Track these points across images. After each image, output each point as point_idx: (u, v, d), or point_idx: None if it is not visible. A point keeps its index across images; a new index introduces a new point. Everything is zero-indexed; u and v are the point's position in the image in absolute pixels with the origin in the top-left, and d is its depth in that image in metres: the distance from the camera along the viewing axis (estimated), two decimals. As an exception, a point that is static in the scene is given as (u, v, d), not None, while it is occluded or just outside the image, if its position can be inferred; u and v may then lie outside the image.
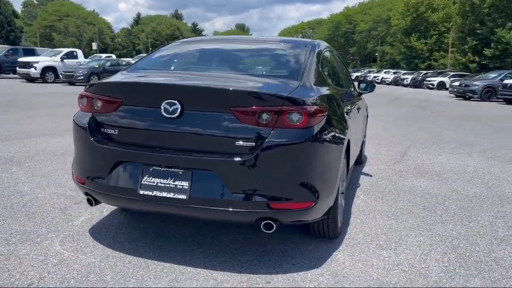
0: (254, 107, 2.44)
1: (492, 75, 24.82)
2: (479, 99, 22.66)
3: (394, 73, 46.52)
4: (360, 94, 4.98)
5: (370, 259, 2.90)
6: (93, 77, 22.14)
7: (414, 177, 5.24)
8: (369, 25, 77.39)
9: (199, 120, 2.52)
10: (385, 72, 48.56)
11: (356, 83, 5.22)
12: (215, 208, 2.47)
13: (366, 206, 4.05)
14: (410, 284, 2.56)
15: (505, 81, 21.12)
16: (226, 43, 3.81)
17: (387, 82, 43.21)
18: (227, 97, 2.49)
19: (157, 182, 2.53)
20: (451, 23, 51.09)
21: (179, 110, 2.50)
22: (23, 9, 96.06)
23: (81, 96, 2.87)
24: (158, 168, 2.55)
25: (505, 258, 2.98)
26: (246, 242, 3.07)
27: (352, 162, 3.84)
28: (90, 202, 2.84)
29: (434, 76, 37.13)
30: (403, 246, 3.13)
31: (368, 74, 48.46)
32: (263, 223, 2.51)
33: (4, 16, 64.48)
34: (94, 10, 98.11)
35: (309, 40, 3.77)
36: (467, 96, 23.53)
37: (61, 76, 22.32)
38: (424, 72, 41.96)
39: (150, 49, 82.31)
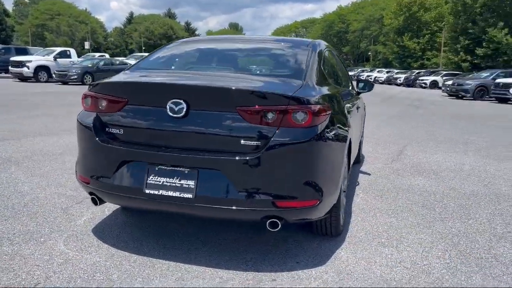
0: (259, 106, 2.46)
1: (484, 74, 25.03)
2: (472, 98, 22.86)
3: (387, 72, 46.79)
4: (358, 93, 5.01)
5: (373, 256, 2.93)
6: (87, 76, 22.04)
7: (411, 176, 5.29)
8: (362, 25, 77.74)
9: (205, 119, 2.53)
10: (378, 71, 48.85)
11: (354, 83, 5.26)
12: (221, 207, 2.49)
13: (366, 204, 4.09)
14: (413, 281, 2.60)
15: (497, 80, 21.34)
16: (228, 43, 3.83)
17: (380, 81, 43.43)
18: (232, 96, 2.51)
19: (163, 181, 2.54)
20: (443, 23, 51.43)
21: (184, 109, 2.51)
22: (14, 7, 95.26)
23: (85, 96, 2.87)
24: (164, 167, 2.56)
25: (504, 255, 3.03)
26: (249, 241, 3.10)
27: (352, 160, 3.88)
28: (94, 202, 2.84)
29: (426, 75, 37.38)
30: (404, 244, 3.17)
31: (361, 74, 48.66)
32: (268, 221, 2.53)
33: (-5, 15, 63.93)
34: (86, 9, 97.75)
35: (309, 39, 3.80)
36: (460, 95, 23.73)
37: (54, 75, 22.17)
38: (417, 71, 42.20)
39: (143, 48, 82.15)
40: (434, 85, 34.39)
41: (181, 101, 2.51)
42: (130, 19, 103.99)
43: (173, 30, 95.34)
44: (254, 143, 2.48)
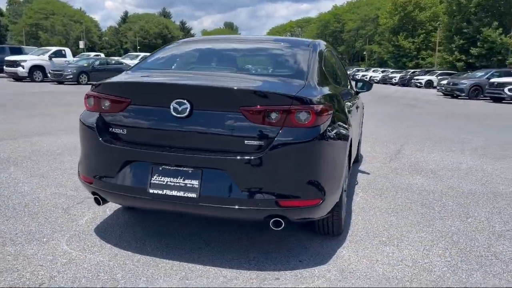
0: (263, 106, 2.48)
1: (479, 73, 25.17)
2: (467, 97, 22.99)
3: (383, 71, 46.96)
4: (357, 92, 5.04)
5: (374, 255, 2.95)
6: (82, 76, 21.97)
7: (410, 175, 5.33)
8: (357, 24, 77.95)
9: (208, 119, 2.55)
10: (373, 71, 49.00)
11: (353, 82, 5.28)
12: (225, 206, 2.51)
13: (365, 203, 4.11)
14: (415, 279, 2.62)
15: (492, 80, 21.48)
16: (229, 43, 3.84)
17: (375, 80, 43.55)
18: (236, 96, 2.52)
19: (167, 181, 2.55)
20: (438, 22, 51.69)
21: (188, 109, 2.52)
22: (8, 7, 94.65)
23: (88, 96, 2.87)
24: (167, 167, 2.57)
25: (504, 253, 3.07)
26: (251, 240, 3.11)
27: (352, 160, 3.90)
28: (97, 202, 2.85)
29: (422, 75, 37.53)
30: (405, 242, 3.19)
31: (356, 73, 48.79)
32: (272, 220, 2.55)
33: (-11, 14, 63.50)
34: (80, 8, 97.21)
35: (310, 39, 3.82)
36: (455, 94, 23.86)
37: (49, 75, 22.06)
38: (412, 70, 42.37)
39: (138, 47, 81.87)
40: (429, 84, 34.54)
41: (185, 101, 2.53)
42: (125, 18, 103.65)
43: (168, 30, 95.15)
44: (257, 143, 2.50)
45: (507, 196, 4.52)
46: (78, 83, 21.67)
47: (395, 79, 40.22)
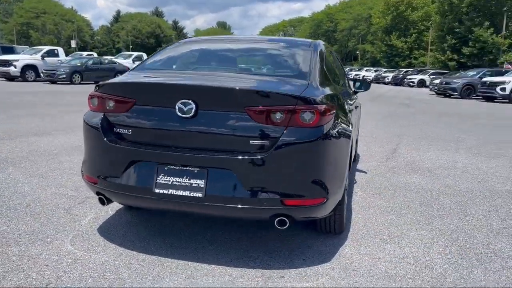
0: (268, 106, 2.51)
1: (471, 73, 25.42)
2: (459, 97, 23.20)
3: (375, 71, 47.20)
4: (355, 92, 5.08)
5: (376, 253, 2.99)
6: (76, 75, 21.86)
7: (407, 173, 5.38)
8: (350, 24, 78.22)
9: (214, 119, 2.57)
10: (366, 70, 49.21)
11: (351, 82, 5.33)
12: (231, 206, 2.53)
13: (365, 202, 4.16)
14: (417, 276, 2.67)
15: (484, 79, 21.71)
16: (231, 43, 3.85)
17: (368, 80, 43.72)
18: (241, 97, 2.55)
19: (173, 181, 2.57)
20: (430, 22, 52.05)
21: (193, 110, 2.54)
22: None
23: (92, 96, 2.88)
24: (173, 167, 2.59)
25: (503, 250, 3.12)
26: (254, 240, 3.14)
27: (352, 159, 3.94)
28: (102, 202, 2.86)
29: (414, 74, 37.79)
30: (405, 240, 3.24)
31: (349, 72, 48.97)
32: (276, 219, 2.58)
33: (-21, 13, 62.89)
34: (72, 7, 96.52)
35: (310, 40, 3.85)
36: (447, 94, 24.07)
37: (42, 74, 21.93)
38: (405, 70, 42.64)
39: (131, 47, 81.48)
40: (421, 83, 34.78)
41: (190, 101, 2.54)
42: (117, 17, 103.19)
43: (161, 29, 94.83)
44: (262, 142, 2.52)
45: (503, 194, 4.59)
46: (71, 82, 21.56)
47: (387, 79, 40.47)
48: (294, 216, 2.61)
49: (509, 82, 19.90)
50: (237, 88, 2.59)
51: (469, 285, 2.58)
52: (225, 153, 2.54)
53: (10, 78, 22.22)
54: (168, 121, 2.61)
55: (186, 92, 2.58)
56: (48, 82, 21.59)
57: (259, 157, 2.49)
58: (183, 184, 2.56)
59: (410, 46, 56.66)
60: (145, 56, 31.73)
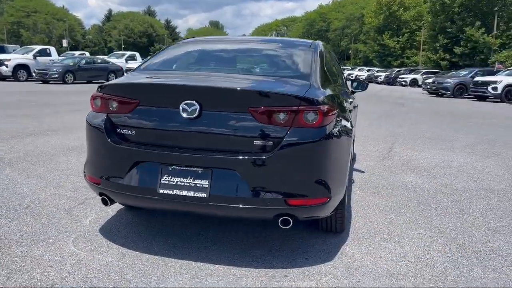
0: (271, 107, 2.53)
1: (463, 72, 25.62)
2: (452, 96, 23.40)
3: (368, 70, 47.37)
4: (353, 92, 5.11)
5: (377, 251, 3.03)
6: (68, 75, 21.72)
7: (403, 172, 5.43)
8: (343, 23, 78.43)
9: (217, 120, 2.58)
10: (359, 70, 49.38)
11: (348, 82, 5.37)
12: (235, 206, 2.54)
13: (364, 201, 4.19)
14: (419, 274, 2.70)
15: (476, 79, 21.89)
16: (231, 44, 3.87)
17: (361, 79, 43.88)
18: (245, 97, 2.57)
19: (177, 181, 2.58)
20: (422, 22, 52.37)
21: (197, 110, 2.55)
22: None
23: (95, 97, 2.88)
24: (177, 167, 2.60)
25: (501, 248, 3.17)
26: (256, 240, 3.15)
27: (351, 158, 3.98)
28: (105, 202, 2.86)
29: (406, 74, 37.99)
30: (405, 239, 3.27)
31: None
32: (280, 219, 2.60)
33: (-31, 12, 62.22)
34: (63, 6, 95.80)
35: (310, 40, 3.88)
36: (440, 93, 24.26)
37: (34, 74, 21.75)
38: (397, 69, 42.86)
39: (123, 46, 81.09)
40: (414, 83, 35.00)
41: (194, 102, 2.56)
42: (109, 16, 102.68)
43: (153, 28, 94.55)
44: (266, 143, 2.54)
45: (499, 192, 4.65)
46: (64, 82, 21.42)
47: (380, 78, 40.66)
48: (298, 215, 2.63)
49: (501, 81, 20.10)
50: (241, 89, 2.61)
51: (470, 283, 2.62)
52: (229, 153, 2.56)
53: (2, 78, 22.00)
54: (172, 122, 2.62)
55: (190, 93, 2.59)
56: (40, 82, 21.44)
57: (263, 157, 2.51)
58: (187, 184, 2.57)
59: (402, 45, 56.96)
60: (138, 55, 31.61)
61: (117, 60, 28.42)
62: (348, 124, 3.15)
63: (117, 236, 3.11)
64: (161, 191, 2.59)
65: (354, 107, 4.65)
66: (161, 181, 2.60)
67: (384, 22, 58.48)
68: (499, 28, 40.40)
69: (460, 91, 23.36)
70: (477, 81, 21.41)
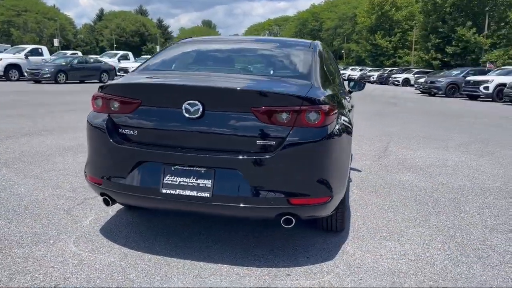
0: (274, 107, 2.54)
1: (455, 72, 25.83)
2: (444, 95, 23.59)
3: (360, 70, 47.59)
4: (350, 91, 5.14)
5: (378, 250, 3.05)
6: (61, 75, 21.57)
7: (400, 171, 5.47)
8: (335, 23, 78.64)
9: (220, 120, 2.59)
10: (351, 69, 49.58)
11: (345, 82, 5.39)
12: (238, 205, 2.55)
13: (362, 200, 4.22)
14: (419, 272, 2.73)
15: (468, 78, 22.08)
16: (230, 44, 3.88)
17: (358, 79, 44.08)
18: (247, 97, 2.58)
19: (180, 181, 2.59)
20: (414, 22, 52.68)
21: (200, 110, 2.56)
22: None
23: (96, 97, 2.87)
24: (180, 167, 2.60)
25: (499, 245, 3.21)
26: (257, 239, 3.17)
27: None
28: (106, 202, 2.85)
29: (399, 73, 38.21)
30: (405, 237, 3.31)
31: (335, 71, 49.20)
32: (283, 218, 2.61)
33: (-42, 11, 61.47)
34: (54, 5, 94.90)
35: (309, 40, 3.90)
36: (432, 92, 24.43)
37: (26, 74, 21.58)
38: (389, 69, 43.09)
39: (115, 46, 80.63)
40: (406, 82, 35.21)
41: (197, 102, 2.56)
42: (101, 15, 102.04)
43: (145, 27, 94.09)
44: (269, 142, 2.56)
45: (494, 191, 4.71)
46: (56, 82, 21.27)
47: (373, 78, 40.85)
48: (300, 215, 2.65)
49: (492, 81, 20.31)
50: (244, 89, 2.62)
51: (470, 280, 2.66)
52: (232, 153, 2.57)
53: (-7, 77, 21.82)
54: (174, 122, 2.63)
55: (193, 93, 2.59)
56: (32, 82, 21.27)
57: (266, 157, 2.52)
58: (190, 184, 2.57)
59: (394, 45, 57.25)
60: (131, 55, 31.51)
61: (109, 59, 28.29)
62: (348, 124, 3.17)
63: (118, 236, 3.11)
64: (164, 191, 2.59)
65: (352, 106, 4.68)
66: (164, 181, 2.60)
67: (377, 22, 58.74)
68: (490, 28, 40.76)
69: (452, 90, 23.55)
70: (469, 81, 21.60)
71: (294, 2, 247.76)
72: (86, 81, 23.33)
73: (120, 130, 2.76)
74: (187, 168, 2.60)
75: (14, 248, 2.85)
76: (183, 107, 2.58)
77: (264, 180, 2.56)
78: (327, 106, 2.68)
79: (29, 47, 24.67)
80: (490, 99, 20.36)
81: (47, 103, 12.14)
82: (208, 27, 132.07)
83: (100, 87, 2.91)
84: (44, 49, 25.01)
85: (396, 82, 36.19)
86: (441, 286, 2.57)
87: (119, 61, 29.15)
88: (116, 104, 2.76)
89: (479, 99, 21.30)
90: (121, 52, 31.79)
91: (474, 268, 2.82)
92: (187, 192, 2.57)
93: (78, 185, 4.28)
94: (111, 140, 2.72)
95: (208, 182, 2.56)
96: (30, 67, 21.68)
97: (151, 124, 2.69)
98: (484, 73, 23.45)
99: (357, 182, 4.88)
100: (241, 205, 2.55)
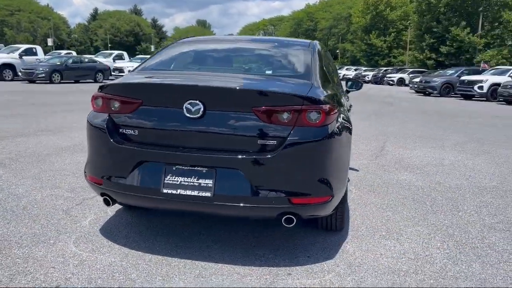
0: (275, 106, 2.55)
1: (450, 71, 25.98)
2: (438, 95, 23.72)
3: (355, 70, 47.72)
4: (347, 91, 5.16)
5: (377, 249, 3.07)
6: (55, 74, 21.46)
7: (397, 171, 5.50)
8: (330, 23, 78.72)
9: (221, 120, 2.59)
10: (346, 69, 49.69)
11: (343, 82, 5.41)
12: (239, 205, 2.56)
13: (360, 199, 4.24)
14: (419, 270, 2.75)
15: (462, 78, 22.21)
16: (231, 44, 3.88)
17: (348, 78, 44.16)
18: (249, 97, 2.59)
19: (181, 181, 2.58)
20: (408, 21, 52.83)
21: (201, 110, 2.56)
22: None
23: (96, 97, 2.86)
24: (181, 167, 2.60)
25: (497, 244, 3.24)
26: (257, 239, 3.17)
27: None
28: (107, 202, 2.85)
29: (394, 73, 38.37)
30: (404, 236, 3.32)
31: (330, 71, 49.23)
32: (284, 217, 2.62)
33: (-49, 10, 60.97)
34: (48, 5, 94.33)
35: (308, 40, 3.90)
36: (427, 92, 24.56)
37: (20, 73, 21.45)
38: (384, 68, 43.24)
39: (110, 45, 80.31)
40: (401, 82, 35.37)
41: (198, 101, 2.56)
42: (95, 15, 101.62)
43: (140, 27, 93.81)
44: (270, 142, 2.56)
45: (491, 190, 4.74)
46: (51, 82, 21.16)
47: (368, 77, 40.96)
48: (301, 214, 2.65)
49: (487, 80, 20.45)
50: (246, 88, 2.63)
51: (470, 279, 2.68)
52: (233, 153, 2.57)
53: (-14, 77, 21.66)
54: (175, 122, 2.63)
55: (194, 93, 2.59)
56: (26, 82, 21.14)
57: (267, 156, 2.53)
58: (192, 184, 2.57)
59: (389, 45, 57.40)
60: (125, 54, 31.38)
61: (104, 59, 28.19)
62: (348, 123, 3.19)
63: (118, 236, 3.10)
64: (165, 190, 2.59)
65: (350, 106, 4.70)
66: (165, 181, 2.60)
67: (371, 22, 58.86)
68: (484, 28, 40.98)
69: (447, 90, 23.70)
70: (463, 80, 21.73)
71: (289, 2, 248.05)
72: (81, 81, 23.23)
73: (120, 130, 2.76)
74: (188, 168, 2.59)
75: (14, 248, 2.84)
76: (184, 107, 2.58)
77: (266, 179, 2.57)
78: (328, 106, 2.68)
79: (23, 46, 24.54)
80: (484, 99, 20.50)
81: (42, 103, 12.07)
82: (203, 27, 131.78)
83: (100, 87, 2.90)
84: (39, 49, 24.86)
85: (391, 82, 36.33)
86: (441, 284, 2.59)
87: (114, 60, 29.04)
88: (117, 104, 2.75)
89: (473, 98, 21.44)
90: (116, 52, 31.67)
91: (473, 267, 2.84)
92: (188, 192, 2.57)
93: (76, 185, 4.27)
94: (111, 140, 2.71)
95: (209, 182, 2.56)
96: (24, 67, 21.55)
97: (152, 124, 2.69)
98: (478, 72, 23.61)
99: (355, 182, 4.89)
100: (243, 204, 2.56)
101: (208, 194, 2.55)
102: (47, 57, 25.32)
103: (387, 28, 58.06)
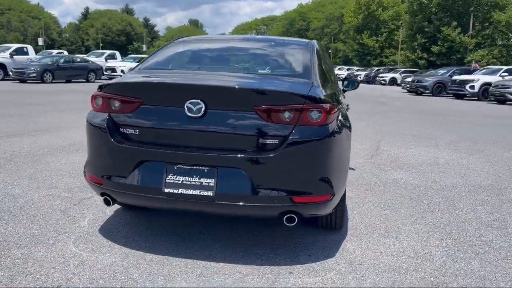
0: (276, 105, 2.55)
1: (441, 71, 26.19)
2: (430, 94, 23.90)
3: (348, 69, 47.91)
4: (344, 91, 5.17)
5: (377, 247, 3.09)
6: (47, 74, 21.29)
7: (393, 170, 5.53)
8: (322, 23, 78.96)
9: (223, 119, 2.59)
10: (339, 69, 49.76)
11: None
12: (241, 204, 2.56)
13: (358, 198, 4.26)
14: (419, 268, 2.77)
15: (454, 77, 22.40)
16: (230, 43, 3.87)
17: (341, 78, 44.30)
18: (250, 96, 2.59)
19: (182, 180, 2.58)
20: (400, 21, 53.14)
21: (203, 109, 2.56)
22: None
23: (95, 96, 2.85)
24: (183, 166, 2.60)
25: (494, 241, 3.27)
26: (257, 238, 3.17)
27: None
28: (107, 202, 2.83)
29: (386, 73, 38.60)
30: (403, 234, 3.35)
31: (323, 71, 49.35)
32: (285, 216, 2.63)
33: None
34: (38, 4, 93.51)
35: (306, 40, 3.91)
36: (419, 91, 24.73)
37: (11, 73, 21.27)
38: (376, 68, 43.49)
39: (101, 45, 79.83)
40: (393, 81, 35.59)
41: (199, 101, 2.56)
42: (86, 14, 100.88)
43: (132, 27, 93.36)
44: (271, 141, 2.57)
45: (486, 188, 4.79)
46: (42, 81, 21.00)
47: (360, 77, 41.09)
48: (303, 213, 2.66)
49: (478, 80, 20.64)
50: (247, 87, 2.63)
51: (469, 276, 2.70)
52: (235, 152, 2.57)
53: (-23, 77, 21.45)
54: (176, 121, 2.62)
55: (195, 92, 2.59)
56: (17, 81, 20.96)
57: (269, 155, 2.54)
58: (193, 183, 2.57)
59: (381, 45, 57.70)
60: (118, 54, 31.21)
61: (96, 59, 28.02)
62: (347, 122, 3.20)
63: (118, 236, 3.09)
64: (166, 190, 2.58)
65: (348, 105, 4.71)
66: (166, 180, 2.59)
67: (363, 22, 59.11)
68: (475, 28, 41.36)
69: (439, 89, 23.89)
70: (455, 80, 21.92)
71: (281, 2, 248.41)
72: (73, 81, 23.08)
73: (121, 129, 2.75)
74: (190, 167, 2.59)
75: (13, 249, 2.82)
76: (185, 106, 2.57)
77: (267, 178, 2.57)
78: (328, 105, 2.70)
79: (14, 46, 24.34)
80: (476, 98, 20.68)
81: (34, 103, 11.97)
82: (195, 26, 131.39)
83: (100, 86, 2.88)
84: (30, 48, 24.68)
85: (383, 82, 36.54)
86: (441, 282, 2.61)
87: (106, 60, 28.88)
88: (117, 103, 2.74)
89: (465, 98, 21.62)
90: (108, 51, 31.49)
91: (472, 264, 2.87)
92: (190, 191, 2.56)
93: (73, 186, 4.24)
94: (112, 140, 2.70)
95: (211, 181, 2.56)
96: (15, 66, 21.38)
97: (153, 123, 2.68)
98: (469, 72, 23.82)
99: (352, 180, 4.91)
100: (244, 203, 2.56)
101: (210, 193, 2.55)
102: (38, 56, 25.10)
103: (379, 28, 58.37)
